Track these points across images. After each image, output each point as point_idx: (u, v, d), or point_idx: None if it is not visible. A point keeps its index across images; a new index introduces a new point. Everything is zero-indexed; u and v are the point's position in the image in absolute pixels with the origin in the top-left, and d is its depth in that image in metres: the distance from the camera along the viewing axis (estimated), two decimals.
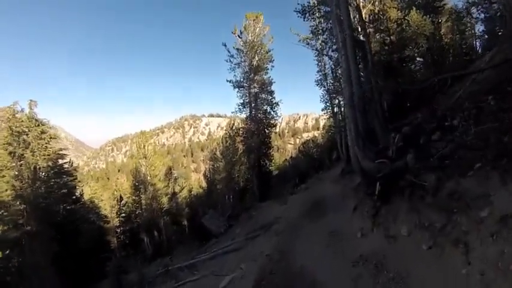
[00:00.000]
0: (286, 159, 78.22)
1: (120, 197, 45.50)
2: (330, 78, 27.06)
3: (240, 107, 31.72)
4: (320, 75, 27.67)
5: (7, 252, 24.18)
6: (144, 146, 45.57)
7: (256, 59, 31.02)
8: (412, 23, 21.80)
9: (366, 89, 14.38)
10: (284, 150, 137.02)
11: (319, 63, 27.45)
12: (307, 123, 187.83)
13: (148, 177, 43.86)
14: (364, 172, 11.31)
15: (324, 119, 27.90)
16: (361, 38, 17.23)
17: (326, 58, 26.82)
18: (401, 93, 17.28)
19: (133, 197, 45.19)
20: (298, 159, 58.55)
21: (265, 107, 31.95)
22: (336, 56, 24.03)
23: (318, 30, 25.96)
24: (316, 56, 27.43)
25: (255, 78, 31.10)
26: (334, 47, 22.92)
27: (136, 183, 44.41)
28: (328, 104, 27.35)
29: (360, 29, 17.70)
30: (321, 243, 10.38)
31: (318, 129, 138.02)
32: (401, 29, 21.87)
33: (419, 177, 7.67)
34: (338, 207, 13.84)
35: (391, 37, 21.14)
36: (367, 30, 17.07)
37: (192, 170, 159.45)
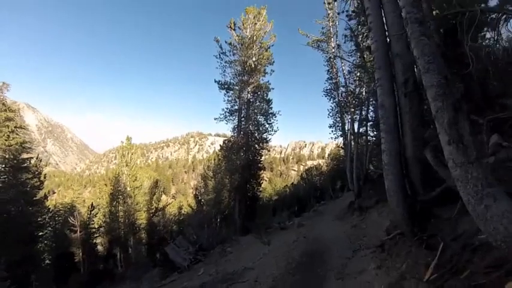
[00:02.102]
0: (286, 185, 72.70)
1: (92, 205, 39.55)
2: (342, 88, 21.26)
3: (227, 113, 25.41)
4: (330, 84, 21.85)
5: None
6: (128, 153, 40.01)
7: (254, 59, 25.10)
8: None
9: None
10: (287, 176, 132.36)
11: (331, 70, 21.63)
12: (312, 152, 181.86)
13: (128, 188, 38.06)
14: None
15: (331, 138, 21.20)
16: None
17: (339, 63, 21.23)
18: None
19: (110, 208, 39.00)
20: (299, 186, 55.57)
21: (258, 117, 25.63)
22: (353, 59, 18.59)
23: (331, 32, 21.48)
24: (327, 61, 21.70)
25: (250, 80, 24.95)
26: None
27: (115, 193, 38.48)
28: (337, 119, 21.36)
29: None
30: None
31: (323, 157, 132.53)
32: None
33: None
34: (346, 271, 7.79)
35: None
36: None
37: (191, 186, 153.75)
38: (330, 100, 21.43)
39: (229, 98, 25.46)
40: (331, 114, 21.35)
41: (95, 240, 40.36)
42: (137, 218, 38.30)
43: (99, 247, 42.19)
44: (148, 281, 23.03)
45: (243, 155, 24.20)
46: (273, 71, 26.27)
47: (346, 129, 20.44)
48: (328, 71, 21.43)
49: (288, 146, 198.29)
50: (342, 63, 20.84)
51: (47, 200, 32.52)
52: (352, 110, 19.46)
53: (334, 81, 21.03)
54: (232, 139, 25.43)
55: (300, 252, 10.47)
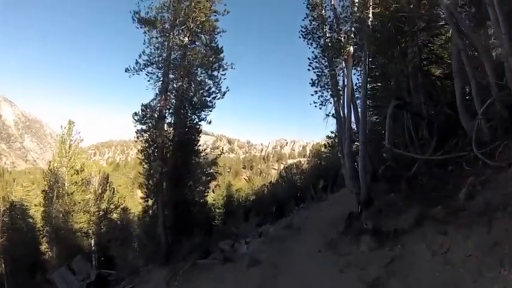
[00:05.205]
0: (264, 184, 65.88)
1: (12, 203, 32.11)
2: (330, 23, 12.62)
3: (147, 62, 15.80)
4: (313, 21, 13.01)
5: None
6: (68, 140, 31.59)
7: None
8: None
9: None
10: (267, 174, 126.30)
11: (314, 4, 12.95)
12: (294, 150, 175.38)
13: (66, 184, 29.45)
14: None
15: (315, 104, 12.00)
16: None
17: None
18: None
19: (45, 208, 30.84)
20: (278, 186, 49.43)
21: (198, 71, 16.56)
22: None
23: None
24: None
25: (188, 15, 15.74)
26: None
27: (49, 190, 30.06)
28: (323, 70, 12.65)
29: None
30: None
31: (304, 156, 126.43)
32: None
33: None
34: None
35: None
36: None
37: None
38: (310, 44, 12.81)
39: (153, 40, 16.03)
40: (313, 65, 12.63)
41: (41, 246, 33.52)
42: (75, 221, 29.63)
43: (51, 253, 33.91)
44: None
45: (172, 129, 15.60)
46: (228, 12, 16.92)
47: (339, 85, 11.97)
48: (308, 4, 12.90)
49: (269, 144, 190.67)
50: None
51: None
52: (351, 47, 11.10)
53: (317, 13, 12.48)
54: (152, 103, 15.80)
55: None
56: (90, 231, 31.31)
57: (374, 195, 9.11)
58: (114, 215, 36.35)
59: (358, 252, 6.71)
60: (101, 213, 33.73)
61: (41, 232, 33.74)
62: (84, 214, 30.87)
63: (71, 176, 30.19)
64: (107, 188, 37.10)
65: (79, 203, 30.21)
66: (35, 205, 38.60)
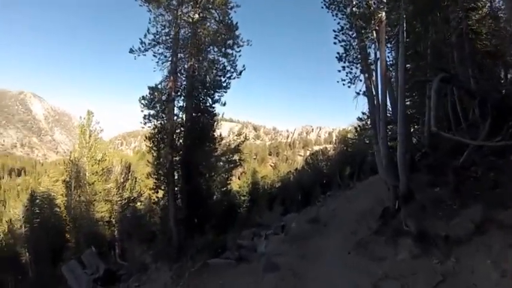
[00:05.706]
0: (290, 170, 64.85)
1: (32, 194, 32.27)
2: None
3: (153, 42, 14.49)
4: None
5: None
6: (87, 130, 31.29)
7: None
8: None
9: None
10: (293, 161, 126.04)
11: None
12: (319, 136, 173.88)
13: (87, 174, 29.41)
14: None
15: (343, 82, 10.07)
16: None
17: None
18: None
19: (68, 198, 30.76)
20: (303, 172, 49.22)
21: (210, 49, 15.20)
22: None
23: None
24: None
25: None
26: None
27: (70, 181, 30.04)
28: (351, 43, 10.87)
29: None
30: None
31: (330, 142, 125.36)
32: None
33: None
34: None
35: None
36: None
37: None
38: (335, 15, 11.08)
39: (159, 18, 14.60)
40: (339, 37, 10.91)
41: (66, 235, 33.34)
42: (96, 211, 29.48)
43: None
44: None
45: (183, 113, 14.48)
46: None
47: (371, 58, 10.36)
48: None
49: (294, 130, 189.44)
50: None
51: None
52: (383, 14, 9.44)
53: None
54: (161, 86, 14.60)
55: None
56: (113, 220, 31.13)
57: (413, 187, 7.54)
58: (139, 204, 36.30)
59: (396, 260, 5.34)
60: (124, 202, 33.59)
61: (66, 221, 34.22)
62: (105, 203, 30.80)
63: (92, 166, 30.04)
64: (129, 177, 36.89)
65: (100, 192, 30.12)
66: (61, 195, 38.99)
